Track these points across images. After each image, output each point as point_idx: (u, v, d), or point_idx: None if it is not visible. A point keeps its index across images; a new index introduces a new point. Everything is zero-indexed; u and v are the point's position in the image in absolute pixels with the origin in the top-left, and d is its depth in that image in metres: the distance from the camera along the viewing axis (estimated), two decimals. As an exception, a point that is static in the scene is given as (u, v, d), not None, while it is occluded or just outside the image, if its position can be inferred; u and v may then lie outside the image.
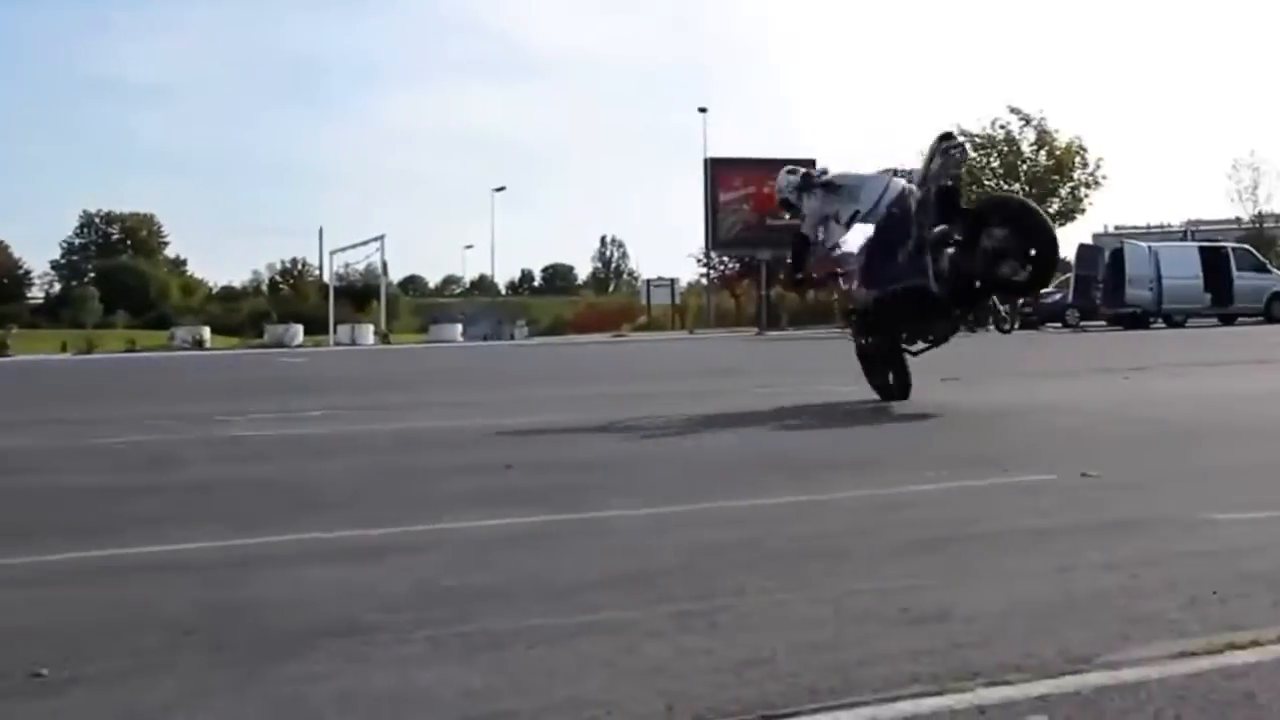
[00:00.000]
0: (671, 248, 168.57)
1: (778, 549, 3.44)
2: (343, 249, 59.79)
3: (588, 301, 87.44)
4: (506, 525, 3.97)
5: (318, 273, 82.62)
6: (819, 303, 60.68)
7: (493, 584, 3.07)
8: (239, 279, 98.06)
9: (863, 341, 8.75)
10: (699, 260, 63.03)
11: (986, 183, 51.55)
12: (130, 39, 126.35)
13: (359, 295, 67.31)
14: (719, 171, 53.30)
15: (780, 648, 2.43)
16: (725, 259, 61.34)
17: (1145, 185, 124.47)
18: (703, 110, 58.81)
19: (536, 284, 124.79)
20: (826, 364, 17.28)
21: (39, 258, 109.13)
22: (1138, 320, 32.71)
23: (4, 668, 2.40)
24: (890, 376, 8.57)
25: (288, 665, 2.40)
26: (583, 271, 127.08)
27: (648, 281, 67.97)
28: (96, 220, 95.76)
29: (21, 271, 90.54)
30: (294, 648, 2.52)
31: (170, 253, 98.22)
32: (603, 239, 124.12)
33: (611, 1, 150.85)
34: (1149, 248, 34.67)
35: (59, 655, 2.45)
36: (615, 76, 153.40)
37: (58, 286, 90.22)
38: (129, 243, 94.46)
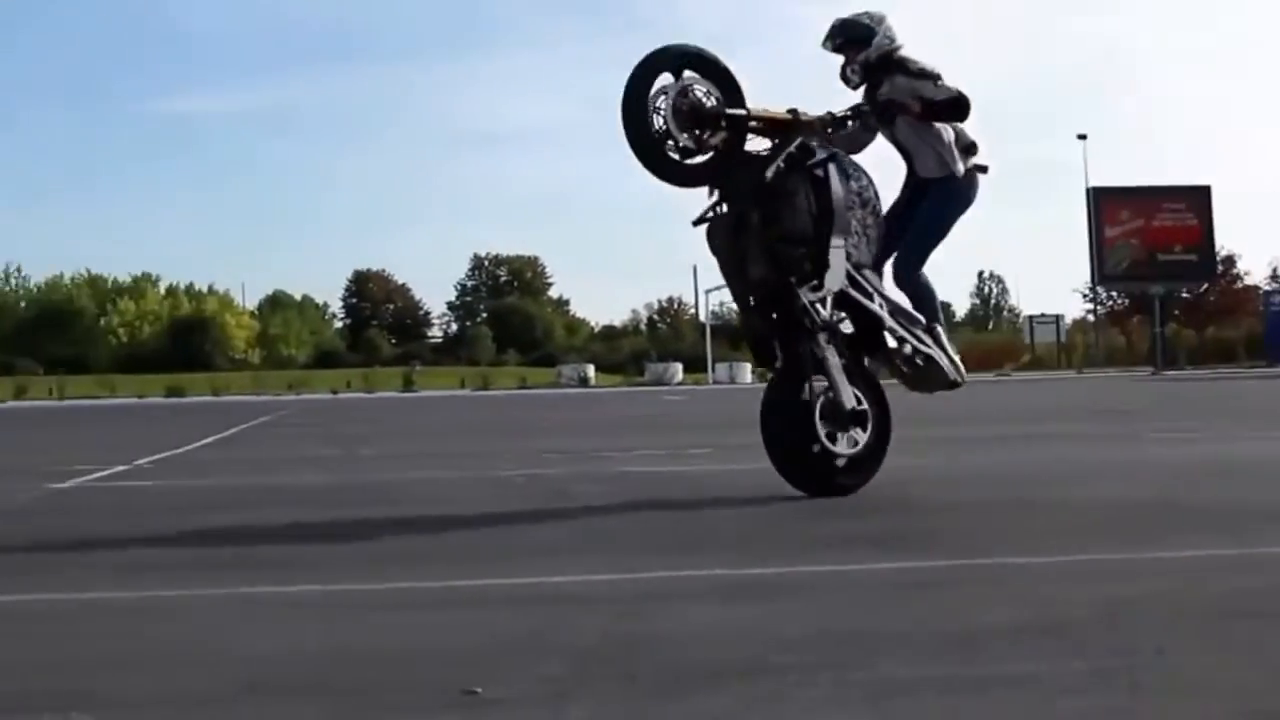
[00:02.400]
0: (1053, 282, 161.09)
1: (1203, 607, 3.17)
2: (717, 288, 60.97)
3: (967, 339, 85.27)
4: (899, 569, 3.88)
5: (693, 311, 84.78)
6: (1220, 339, 56.61)
7: (892, 629, 3.00)
8: (618, 318, 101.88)
9: None
10: (1084, 295, 60.22)
11: None
12: (496, 89, 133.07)
13: (734, 334, 68.27)
14: (1103, 201, 50.67)
15: (1216, 717, 2.23)
16: (1114, 294, 58.27)
17: None
18: (1082, 137, 55.06)
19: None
20: (1240, 405, 15.98)
21: (436, 298, 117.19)
22: None
23: (442, 683, 2.55)
24: None
25: (699, 700, 2.42)
26: (960, 308, 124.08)
27: (1030, 318, 65.36)
28: (486, 263, 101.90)
29: (422, 312, 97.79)
30: (704, 684, 2.53)
31: (554, 293, 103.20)
32: (980, 274, 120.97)
33: (967, 34, 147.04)
34: None
35: (481, 675, 2.56)
36: (981, 109, 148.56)
37: (454, 326, 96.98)
38: (515, 284, 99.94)
